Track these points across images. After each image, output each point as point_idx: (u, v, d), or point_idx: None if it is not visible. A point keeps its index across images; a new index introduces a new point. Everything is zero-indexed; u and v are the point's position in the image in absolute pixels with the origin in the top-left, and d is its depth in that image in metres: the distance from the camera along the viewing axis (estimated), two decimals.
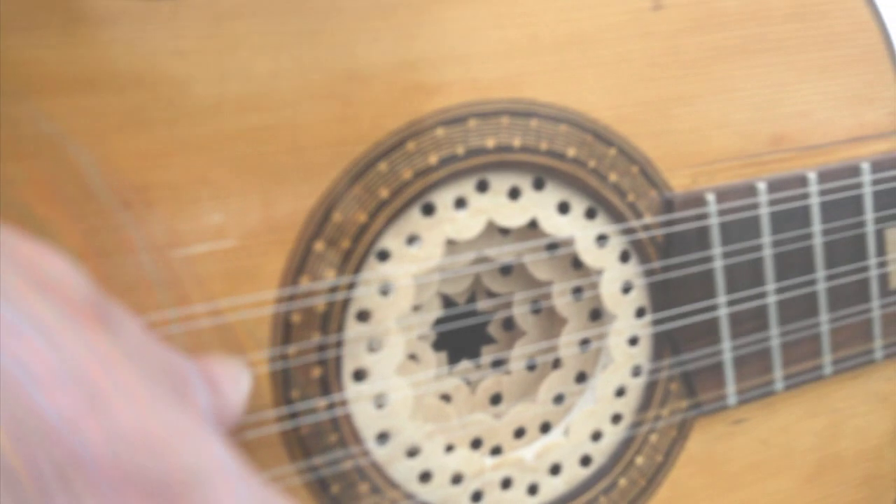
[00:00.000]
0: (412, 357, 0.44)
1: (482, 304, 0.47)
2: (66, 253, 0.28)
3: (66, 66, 0.33)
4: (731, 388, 0.44)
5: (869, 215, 0.45)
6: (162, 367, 0.27)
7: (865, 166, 0.45)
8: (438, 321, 0.45)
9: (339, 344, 0.38)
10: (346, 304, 0.38)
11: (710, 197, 0.43)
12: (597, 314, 0.45)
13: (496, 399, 0.46)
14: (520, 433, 0.44)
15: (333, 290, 0.37)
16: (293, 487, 0.37)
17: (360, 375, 0.39)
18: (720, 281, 0.43)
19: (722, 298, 0.43)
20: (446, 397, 0.45)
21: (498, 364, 0.47)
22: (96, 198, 0.34)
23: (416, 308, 0.44)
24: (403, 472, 0.40)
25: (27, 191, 0.33)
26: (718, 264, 0.43)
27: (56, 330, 0.21)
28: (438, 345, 0.45)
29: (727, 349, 0.43)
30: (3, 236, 0.23)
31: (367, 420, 0.39)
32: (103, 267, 0.34)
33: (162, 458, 0.19)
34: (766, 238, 0.44)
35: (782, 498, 0.46)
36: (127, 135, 0.34)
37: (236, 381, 0.33)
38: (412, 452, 0.40)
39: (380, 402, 0.39)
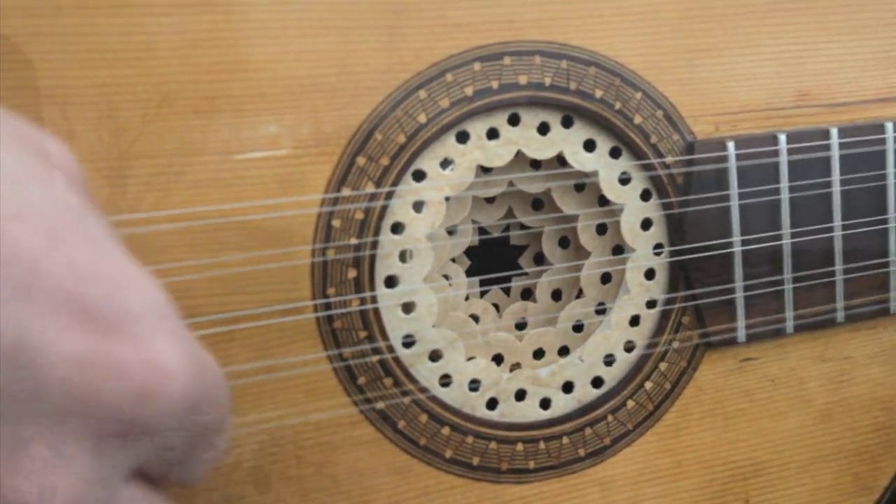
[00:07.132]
0: (446, 277, 0.48)
1: (514, 237, 0.51)
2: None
3: None
4: (740, 324, 0.46)
5: (891, 170, 0.47)
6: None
7: (889, 125, 0.47)
8: (473, 249, 0.49)
9: (373, 248, 0.42)
10: (382, 214, 0.42)
11: (730, 143, 0.45)
12: (619, 250, 0.48)
13: (521, 326, 0.50)
14: (539, 354, 0.48)
15: (372, 198, 0.42)
16: (324, 372, 0.42)
17: (391, 282, 0.43)
18: (735, 222, 0.46)
19: (736, 238, 0.46)
20: (475, 317, 0.49)
21: (526, 293, 0.51)
22: (172, 104, 0.39)
23: (452, 233, 0.48)
24: (425, 373, 0.44)
25: (116, 95, 0.39)
26: (734, 205, 0.45)
27: (34, 177, 0.25)
28: (472, 271, 0.50)
29: (739, 286, 0.46)
30: (8, 119, 0.27)
31: (394, 322, 0.43)
32: (175, 164, 0.39)
33: (109, 294, 0.24)
34: (784, 184, 0.46)
35: (788, 436, 0.48)
36: (201, 50, 0.39)
37: None
38: (434, 357, 0.45)
39: (408, 307, 0.44)
